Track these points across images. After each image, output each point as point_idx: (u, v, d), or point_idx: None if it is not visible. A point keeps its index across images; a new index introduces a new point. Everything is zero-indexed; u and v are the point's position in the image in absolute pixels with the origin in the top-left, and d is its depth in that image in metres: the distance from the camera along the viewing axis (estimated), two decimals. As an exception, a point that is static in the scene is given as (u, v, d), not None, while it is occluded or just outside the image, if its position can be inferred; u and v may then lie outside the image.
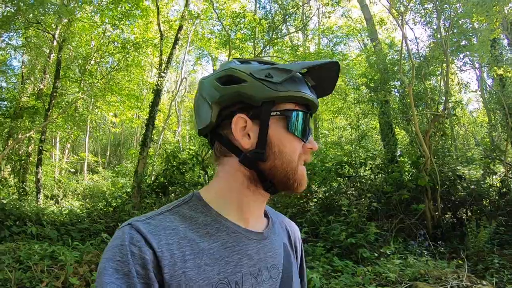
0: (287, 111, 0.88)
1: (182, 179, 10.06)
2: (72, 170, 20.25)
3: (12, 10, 10.25)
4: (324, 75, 0.98)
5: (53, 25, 12.31)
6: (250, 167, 0.89)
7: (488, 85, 13.26)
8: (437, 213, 8.09)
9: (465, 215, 8.35)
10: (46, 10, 10.16)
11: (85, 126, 18.47)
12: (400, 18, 9.28)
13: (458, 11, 9.13)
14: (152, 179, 11.23)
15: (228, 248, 0.86)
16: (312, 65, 0.92)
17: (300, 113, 0.90)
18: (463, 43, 10.00)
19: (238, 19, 11.35)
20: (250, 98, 0.87)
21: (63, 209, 10.97)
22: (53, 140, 19.63)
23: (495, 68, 10.54)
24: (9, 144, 12.06)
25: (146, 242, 0.78)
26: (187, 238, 0.83)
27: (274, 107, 0.88)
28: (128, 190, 11.12)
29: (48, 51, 13.58)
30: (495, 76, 11.06)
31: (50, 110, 11.84)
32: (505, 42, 12.11)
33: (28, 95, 13.79)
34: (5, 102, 12.91)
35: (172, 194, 10.16)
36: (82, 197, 15.90)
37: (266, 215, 1.04)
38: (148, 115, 11.42)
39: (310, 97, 0.91)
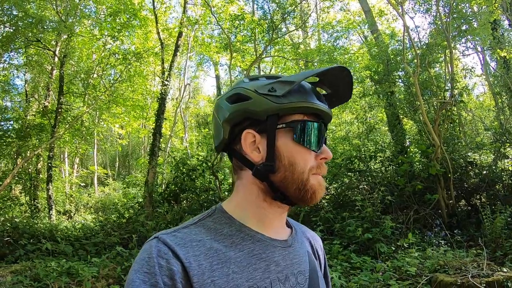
0: (294, 122, 0.90)
1: (192, 186, 10.07)
2: (83, 184, 20.34)
3: (11, 30, 10.31)
4: (337, 81, 0.99)
5: (53, 41, 12.37)
6: (262, 179, 0.91)
7: (492, 67, 13.12)
8: (451, 202, 8.02)
9: (479, 201, 8.25)
10: (45, 27, 10.23)
11: (92, 140, 18.55)
12: (400, 8, 9.20)
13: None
14: (163, 187, 11.24)
15: (255, 256, 0.88)
16: (314, 73, 0.92)
17: (309, 123, 0.91)
18: (464, 27, 9.89)
19: (237, 21, 11.31)
20: (256, 113, 0.90)
21: (76, 223, 11.01)
22: (62, 155, 19.76)
23: (498, 50, 10.42)
24: (18, 163, 12.13)
25: (173, 254, 0.80)
26: (214, 249, 0.85)
27: (281, 119, 0.90)
28: (140, 200, 11.13)
29: (50, 68, 13.63)
30: (499, 58, 10.94)
31: (57, 126, 11.89)
32: (506, 23, 11.97)
33: (34, 113, 13.86)
34: (11, 122, 12.97)
35: (184, 202, 10.16)
36: (94, 211, 15.95)
37: (288, 225, 1.06)
38: (154, 124, 11.44)
39: (316, 105, 0.91)
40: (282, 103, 0.88)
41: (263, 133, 0.91)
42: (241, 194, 0.96)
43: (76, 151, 16.50)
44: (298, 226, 1.12)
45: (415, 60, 8.87)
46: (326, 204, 8.98)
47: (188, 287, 0.78)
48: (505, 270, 4.57)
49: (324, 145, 0.95)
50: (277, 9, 11.84)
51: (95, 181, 22.02)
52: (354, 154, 9.58)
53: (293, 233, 1.03)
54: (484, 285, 4.15)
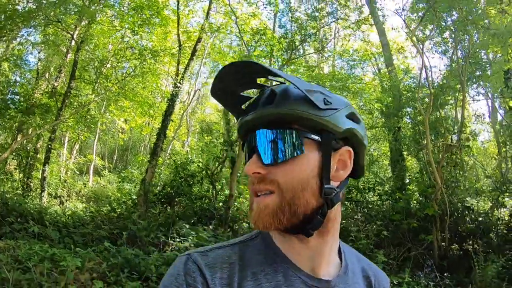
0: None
1: (189, 191, 9.99)
2: (78, 172, 20.22)
3: (34, 7, 10.32)
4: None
5: (72, 25, 12.39)
6: None
7: (500, 114, 13.14)
8: (444, 244, 7.96)
9: (471, 247, 8.19)
10: (67, 10, 10.25)
11: (95, 129, 18.51)
12: (420, 46, 9.26)
13: (475, 42, 9.11)
14: (159, 188, 11.15)
15: None
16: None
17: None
18: (477, 73, 9.95)
19: (259, 36, 11.32)
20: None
21: (67, 210, 10.91)
22: (62, 139, 19.69)
23: (507, 99, 10.45)
24: (19, 139, 12.08)
25: (200, 273, 0.79)
26: (242, 275, 0.81)
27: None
28: (134, 197, 11.04)
29: (65, 50, 13.64)
30: (508, 108, 10.97)
31: (63, 110, 11.86)
32: (520, 73, 12.01)
33: (42, 92, 13.84)
34: (18, 97, 12.91)
35: (177, 206, 10.07)
36: (86, 200, 15.81)
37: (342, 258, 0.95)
38: (160, 124, 11.41)
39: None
40: None
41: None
42: None
43: (77, 137, 16.46)
44: (357, 260, 1.00)
45: (426, 99, 8.89)
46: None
47: None
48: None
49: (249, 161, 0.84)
50: (298, 30, 11.87)
51: (91, 170, 21.90)
52: (353, 183, 9.54)
53: (341, 272, 0.90)
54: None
